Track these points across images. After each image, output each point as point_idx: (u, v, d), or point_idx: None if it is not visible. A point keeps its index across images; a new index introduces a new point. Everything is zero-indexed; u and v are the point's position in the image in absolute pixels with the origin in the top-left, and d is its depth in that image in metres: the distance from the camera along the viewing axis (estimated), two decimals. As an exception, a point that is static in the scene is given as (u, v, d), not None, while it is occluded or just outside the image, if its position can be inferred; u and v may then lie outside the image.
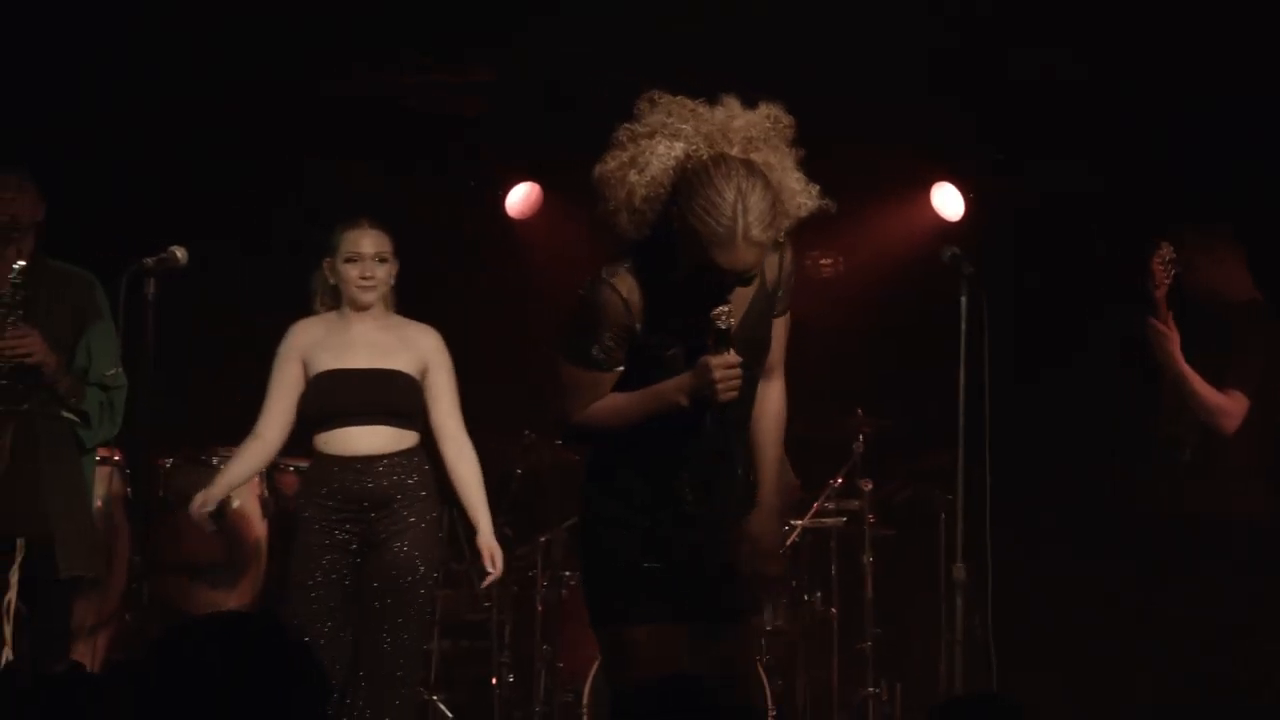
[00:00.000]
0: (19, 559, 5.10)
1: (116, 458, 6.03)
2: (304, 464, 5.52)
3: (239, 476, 5.32)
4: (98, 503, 5.96)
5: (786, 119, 3.74)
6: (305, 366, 5.20)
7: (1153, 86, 6.73)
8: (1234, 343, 5.68)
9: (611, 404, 3.79)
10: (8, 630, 5.03)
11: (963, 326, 5.27)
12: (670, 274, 3.66)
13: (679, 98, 3.74)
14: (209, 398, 6.64)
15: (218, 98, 6.90)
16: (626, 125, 3.75)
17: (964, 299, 5.27)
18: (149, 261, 5.13)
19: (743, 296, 3.81)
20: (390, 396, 5.18)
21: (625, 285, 3.66)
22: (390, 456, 5.13)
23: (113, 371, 5.26)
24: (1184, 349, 5.67)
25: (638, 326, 3.67)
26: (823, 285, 7.56)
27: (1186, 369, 5.59)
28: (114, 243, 5.86)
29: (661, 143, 3.62)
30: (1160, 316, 5.57)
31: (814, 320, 6.74)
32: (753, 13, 6.61)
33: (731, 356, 3.69)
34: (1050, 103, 7.05)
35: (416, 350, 5.26)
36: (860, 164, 6.99)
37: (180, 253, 5.18)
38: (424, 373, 5.23)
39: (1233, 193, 6.59)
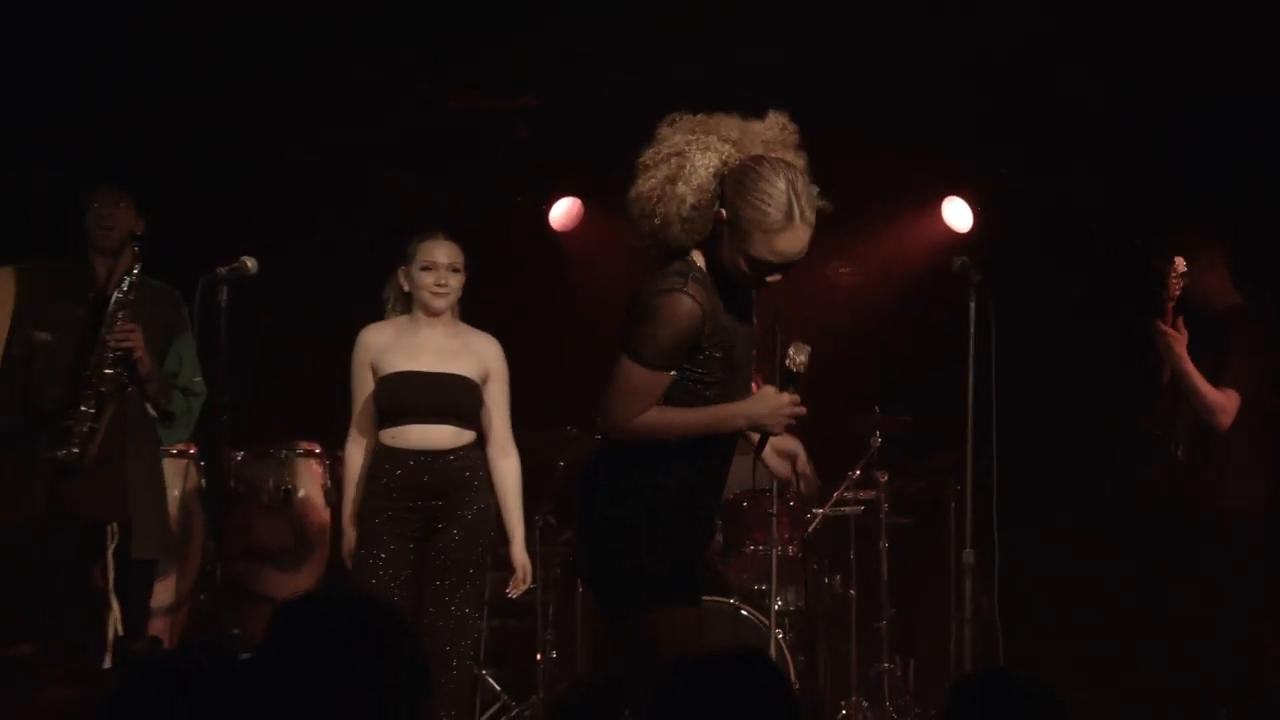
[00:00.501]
0: (113, 544, 5.13)
1: (192, 452, 6.12)
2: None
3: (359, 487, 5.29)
4: (174, 493, 6.02)
5: (792, 126, 3.86)
6: (374, 369, 5.24)
7: (1152, 87, 6.58)
8: (1232, 343, 5.68)
9: (669, 418, 3.78)
10: (116, 606, 5.10)
11: (971, 330, 5.27)
12: (721, 275, 3.75)
13: (696, 116, 3.82)
14: (273, 396, 6.66)
15: (247, 106, 6.82)
16: (650, 149, 3.82)
17: (972, 305, 5.30)
18: (222, 270, 5.18)
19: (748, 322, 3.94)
20: (455, 398, 5.23)
21: (700, 294, 3.69)
22: (451, 452, 5.17)
23: (197, 379, 5.41)
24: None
25: (705, 330, 3.73)
26: (843, 294, 7.54)
27: (1192, 368, 5.60)
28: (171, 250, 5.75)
29: (698, 154, 3.69)
30: (1169, 321, 5.58)
31: (835, 326, 6.92)
32: (761, 27, 6.43)
33: (795, 395, 3.83)
34: (1051, 107, 6.86)
35: (479, 357, 5.30)
36: (876, 180, 7.08)
37: (250, 262, 5.22)
38: (484, 378, 5.30)
39: (1233, 193, 6.49)
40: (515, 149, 7.45)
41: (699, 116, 3.84)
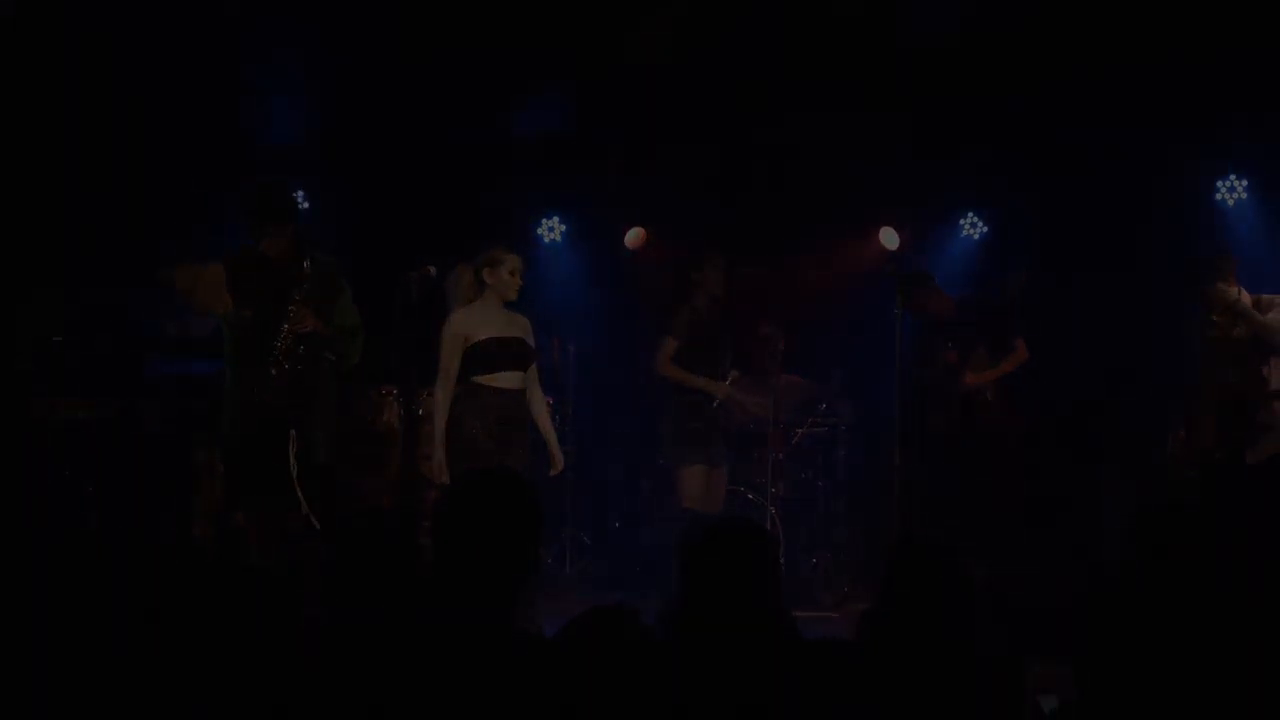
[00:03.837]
0: (294, 449, 5.61)
1: (395, 392, 7.02)
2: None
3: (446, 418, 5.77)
4: (384, 417, 7.11)
5: None
6: (467, 338, 5.83)
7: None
8: (1006, 329, 7.01)
9: (677, 371, 6.08)
10: (302, 498, 5.58)
11: (898, 313, 6.23)
12: None
13: None
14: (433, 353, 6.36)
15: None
16: None
17: (898, 296, 6.27)
18: (414, 274, 5.89)
19: None
20: (522, 355, 5.98)
21: None
22: (520, 391, 5.96)
23: (354, 323, 5.83)
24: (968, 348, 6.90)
25: None
26: (816, 288, 8.34)
27: (999, 370, 6.90)
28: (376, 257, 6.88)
29: None
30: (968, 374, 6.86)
31: (809, 309, 8.10)
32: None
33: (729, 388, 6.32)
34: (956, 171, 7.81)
35: (524, 328, 6.03)
36: (834, 215, 8.26)
37: (433, 269, 5.96)
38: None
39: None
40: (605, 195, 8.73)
41: None
